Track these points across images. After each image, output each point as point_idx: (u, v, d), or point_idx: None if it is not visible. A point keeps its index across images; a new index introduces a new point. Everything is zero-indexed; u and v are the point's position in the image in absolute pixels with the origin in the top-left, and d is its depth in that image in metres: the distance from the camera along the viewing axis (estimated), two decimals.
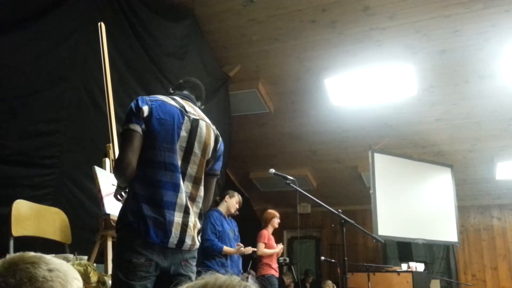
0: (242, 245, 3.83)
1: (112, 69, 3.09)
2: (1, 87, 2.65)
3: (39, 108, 2.87)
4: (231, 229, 3.96)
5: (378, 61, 4.86)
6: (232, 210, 4.00)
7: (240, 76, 5.48)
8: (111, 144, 2.77)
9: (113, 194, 2.32)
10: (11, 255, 0.96)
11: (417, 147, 6.47)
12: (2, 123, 2.66)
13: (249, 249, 3.91)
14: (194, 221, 1.86)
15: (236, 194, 4.08)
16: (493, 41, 4.51)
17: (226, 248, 3.71)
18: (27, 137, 2.80)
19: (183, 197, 1.82)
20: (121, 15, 3.64)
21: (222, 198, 4.05)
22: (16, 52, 2.74)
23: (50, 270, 0.92)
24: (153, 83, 4.03)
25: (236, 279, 0.69)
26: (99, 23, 3.00)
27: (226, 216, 3.98)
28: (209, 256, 3.67)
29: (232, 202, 4.00)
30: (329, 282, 6.86)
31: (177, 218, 1.79)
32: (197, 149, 1.92)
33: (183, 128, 1.88)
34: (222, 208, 3.98)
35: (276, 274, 4.45)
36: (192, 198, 1.89)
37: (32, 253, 0.94)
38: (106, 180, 2.51)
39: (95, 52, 3.08)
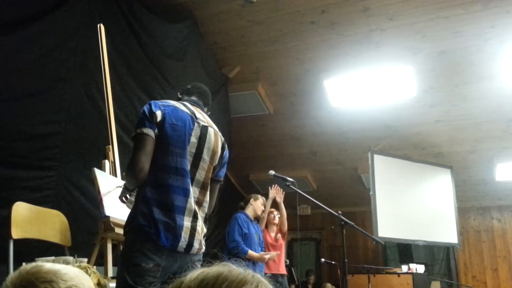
0: (265, 252, 3.85)
1: (111, 70, 3.08)
2: (1, 88, 2.64)
3: (38, 109, 2.86)
4: (256, 233, 3.97)
5: (377, 63, 4.86)
6: (259, 212, 4.04)
7: (239, 78, 5.47)
8: (110, 146, 2.77)
9: (113, 195, 2.30)
10: (25, 267, 0.88)
11: (416, 148, 6.47)
12: (2, 124, 2.65)
13: (272, 255, 3.91)
14: (201, 225, 1.90)
15: (259, 196, 4.12)
16: (492, 42, 4.51)
17: (251, 252, 3.73)
18: (27, 139, 2.79)
19: (192, 202, 1.85)
20: (120, 17, 3.63)
21: (246, 202, 4.08)
22: (16, 53, 2.73)
23: None
24: (152, 84, 4.02)
25: (250, 274, 0.66)
26: (98, 25, 3.00)
27: (252, 220, 4.00)
28: (233, 256, 3.67)
29: (258, 204, 4.04)
30: (329, 285, 6.84)
31: (187, 222, 1.82)
32: (205, 155, 1.95)
33: (193, 134, 1.91)
34: (248, 211, 4.01)
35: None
36: (199, 203, 1.92)
37: (47, 267, 0.89)
38: (106, 182, 2.50)
39: (95, 53, 3.08)
